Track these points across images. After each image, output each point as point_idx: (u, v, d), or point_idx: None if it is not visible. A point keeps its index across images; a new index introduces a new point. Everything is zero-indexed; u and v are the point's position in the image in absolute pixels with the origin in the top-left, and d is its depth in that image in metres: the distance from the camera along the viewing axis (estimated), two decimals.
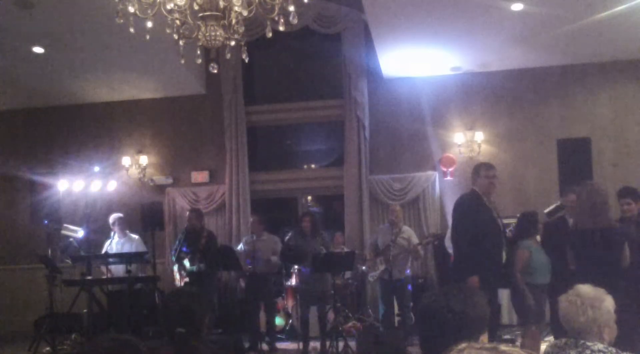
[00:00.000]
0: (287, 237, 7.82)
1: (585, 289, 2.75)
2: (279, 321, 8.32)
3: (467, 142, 9.17)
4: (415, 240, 7.60)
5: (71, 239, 8.50)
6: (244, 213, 9.50)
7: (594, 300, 2.68)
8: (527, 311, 5.66)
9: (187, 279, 7.91)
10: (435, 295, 1.97)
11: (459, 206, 5.49)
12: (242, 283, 8.29)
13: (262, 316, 7.92)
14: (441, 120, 9.35)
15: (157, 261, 8.11)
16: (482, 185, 5.33)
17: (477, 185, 5.35)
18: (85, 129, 10.17)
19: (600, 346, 2.61)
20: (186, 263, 7.89)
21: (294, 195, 10.21)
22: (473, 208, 5.26)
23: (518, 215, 6.30)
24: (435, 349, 1.80)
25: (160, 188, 9.94)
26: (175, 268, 8.08)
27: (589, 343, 2.63)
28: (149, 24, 3.86)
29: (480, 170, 5.39)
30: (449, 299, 1.91)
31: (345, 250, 8.04)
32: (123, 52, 8.38)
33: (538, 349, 5.65)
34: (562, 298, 2.77)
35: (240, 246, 8.02)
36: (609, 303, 2.71)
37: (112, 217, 8.35)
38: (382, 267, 7.48)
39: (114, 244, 8.29)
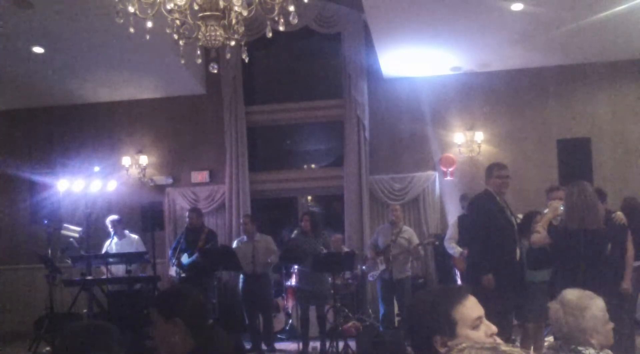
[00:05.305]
0: (292, 236, 7.83)
1: (570, 296, 2.69)
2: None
3: (467, 142, 9.17)
4: (415, 240, 7.61)
5: (71, 239, 8.49)
6: (243, 213, 9.49)
7: (575, 309, 2.63)
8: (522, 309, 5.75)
9: (184, 275, 7.93)
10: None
11: (472, 206, 5.56)
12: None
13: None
14: (441, 120, 9.35)
15: (157, 261, 8.11)
16: (494, 184, 5.39)
17: (490, 185, 5.40)
18: (85, 129, 10.17)
19: (592, 351, 2.58)
20: (184, 258, 7.89)
21: (294, 195, 10.22)
22: (486, 208, 5.31)
23: (520, 215, 6.31)
24: (417, 346, 1.81)
25: (160, 188, 9.93)
26: (173, 270, 8.07)
27: (580, 348, 2.60)
28: (149, 24, 3.85)
29: (493, 170, 5.46)
30: (416, 297, 1.93)
31: (346, 249, 8.04)
32: (123, 52, 8.38)
33: (537, 347, 5.67)
34: (551, 304, 2.73)
35: (233, 247, 7.98)
36: (595, 308, 2.64)
37: (108, 220, 8.39)
38: (382, 267, 7.48)
39: (113, 244, 8.31)
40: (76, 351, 2.13)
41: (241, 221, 8.11)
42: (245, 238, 7.85)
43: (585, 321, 2.61)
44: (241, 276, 7.89)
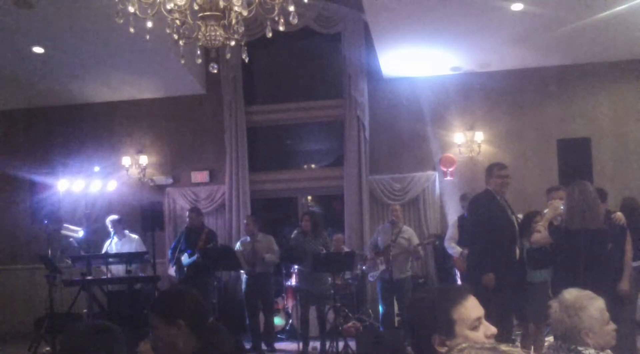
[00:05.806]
0: (292, 235, 7.84)
1: (568, 295, 2.69)
2: (278, 321, 8.32)
3: (467, 142, 9.17)
4: (415, 240, 7.62)
5: (71, 239, 8.50)
6: (244, 213, 9.47)
7: (571, 309, 2.63)
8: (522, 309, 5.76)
9: (184, 275, 7.93)
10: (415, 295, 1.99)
11: (473, 205, 5.58)
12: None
13: (261, 316, 7.92)
14: (441, 120, 9.35)
15: (157, 261, 8.11)
16: (495, 184, 5.41)
17: (491, 184, 5.42)
18: (85, 129, 10.16)
19: (592, 351, 2.58)
20: (184, 258, 7.90)
21: (294, 195, 10.21)
22: (487, 207, 5.33)
23: (520, 215, 6.32)
24: (417, 346, 1.80)
25: (160, 188, 9.93)
26: (172, 270, 8.06)
27: (580, 348, 2.59)
28: (149, 24, 3.85)
29: (493, 169, 5.49)
30: (415, 297, 1.93)
31: (346, 249, 8.04)
32: (123, 52, 8.38)
33: (537, 347, 5.68)
34: (551, 303, 2.74)
35: (237, 247, 8.00)
36: (593, 309, 2.63)
37: (108, 220, 8.39)
38: (382, 267, 7.48)
39: (113, 244, 8.31)
40: (78, 351, 2.13)
41: (244, 221, 8.12)
42: (248, 238, 7.88)
43: (581, 321, 2.60)
44: (244, 276, 7.90)
